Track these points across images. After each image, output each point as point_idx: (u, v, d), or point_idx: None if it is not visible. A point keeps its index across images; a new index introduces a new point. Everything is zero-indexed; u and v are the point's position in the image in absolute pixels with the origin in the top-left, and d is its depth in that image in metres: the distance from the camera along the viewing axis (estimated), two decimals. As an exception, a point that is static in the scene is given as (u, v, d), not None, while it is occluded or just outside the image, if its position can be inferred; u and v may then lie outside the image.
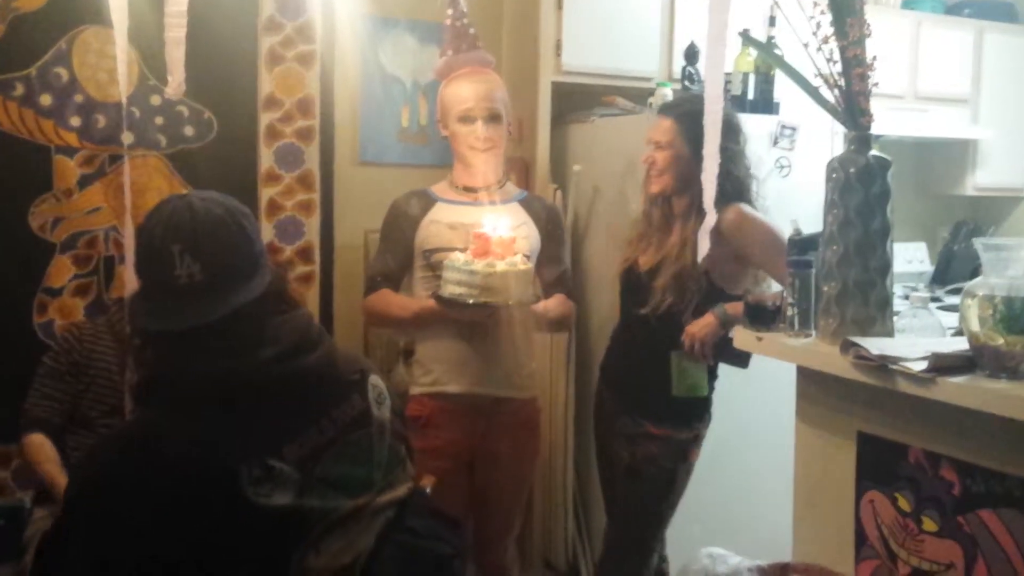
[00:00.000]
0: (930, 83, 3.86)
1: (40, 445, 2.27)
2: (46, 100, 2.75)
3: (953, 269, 4.06)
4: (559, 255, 2.54)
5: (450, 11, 2.46)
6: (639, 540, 2.44)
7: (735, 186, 2.38)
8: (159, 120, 2.89)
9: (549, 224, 2.51)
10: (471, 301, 2.19)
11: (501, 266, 2.18)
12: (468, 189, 2.48)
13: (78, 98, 2.78)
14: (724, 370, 2.46)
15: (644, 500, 2.41)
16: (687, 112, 2.29)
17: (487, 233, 2.26)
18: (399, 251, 2.46)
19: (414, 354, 2.52)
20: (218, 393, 1.26)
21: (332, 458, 1.29)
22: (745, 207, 2.37)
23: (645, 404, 2.41)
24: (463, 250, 2.33)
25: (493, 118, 2.42)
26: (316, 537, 1.23)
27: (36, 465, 2.24)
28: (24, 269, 2.75)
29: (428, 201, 2.48)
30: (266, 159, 3.06)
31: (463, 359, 2.37)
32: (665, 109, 2.50)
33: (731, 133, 2.38)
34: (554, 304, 2.46)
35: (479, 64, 2.50)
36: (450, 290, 2.22)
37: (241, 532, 1.19)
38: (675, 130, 2.35)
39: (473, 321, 2.31)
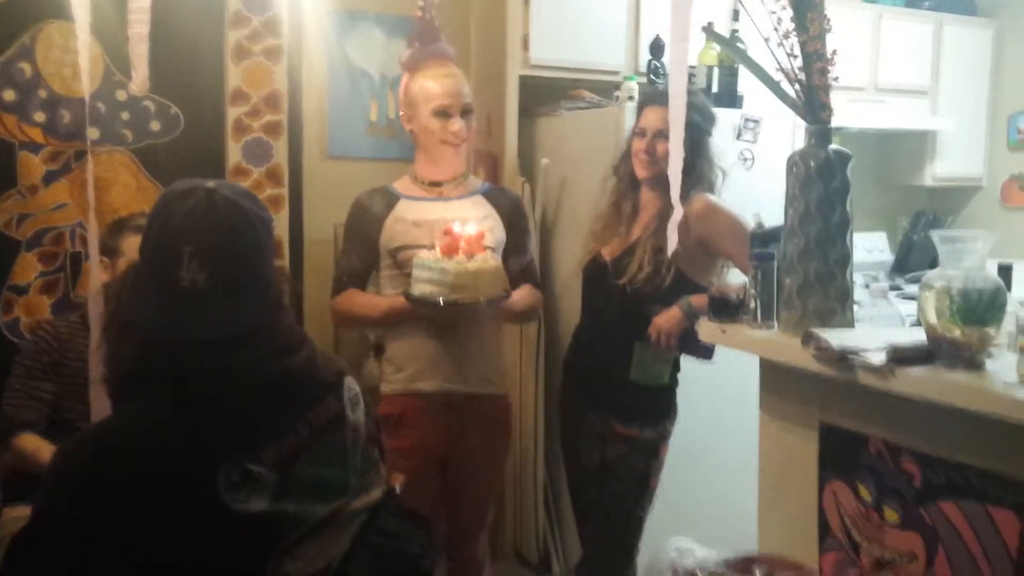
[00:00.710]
0: (890, 75, 3.92)
1: (33, 441, 2.20)
2: (9, 95, 2.73)
3: (913, 258, 4.13)
4: (524, 245, 2.52)
5: (421, 3, 2.44)
6: (621, 542, 2.43)
7: (705, 176, 2.42)
8: (125, 115, 2.87)
9: (513, 215, 2.50)
10: (441, 300, 2.18)
11: (472, 264, 2.18)
12: (433, 184, 2.46)
13: (42, 93, 2.76)
14: (690, 362, 2.49)
15: (619, 501, 2.42)
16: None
17: (455, 230, 2.25)
18: (364, 250, 2.43)
19: (385, 351, 2.50)
20: (199, 394, 1.24)
21: (307, 462, 1.28)
22: (712, 197, 2.41)
23: (611, 401, 2.42)
24: (430, 247, 2.31)
25: (467, 112, 2.42)
26: (291, 542, 1.23)
27: (34, 460, 2.14)
28: (-11, 266, 2.73)
29: (391, 198, 2.45)
30: (234, 154, 3.05)
31: (435, 357, 2.36)
32: (660, 98, 2.49)
33: (710, 123, 2.44)
34: (520, 296, 2.44)
35: (444, 57, 2.47)
36: (420, 289, 2.21)
37: (217, 538, 1.19)
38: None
39: (444, 319, 2.31)
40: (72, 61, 2.68)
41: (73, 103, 2.74)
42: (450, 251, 2.22)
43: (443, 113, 2.38)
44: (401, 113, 2.50)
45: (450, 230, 2.26)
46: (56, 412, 2.29)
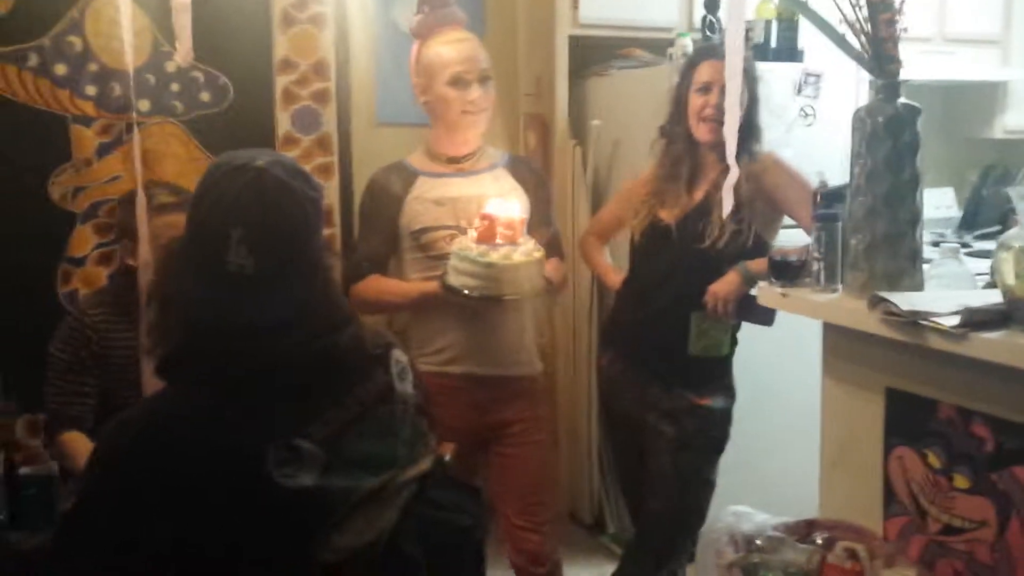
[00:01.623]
0: (959, 24, 3.75)
1: (78, 441, 2.14)
2: (61, 70, 2.74)
3: (982, 214, 3.98)
4: (549, 217, 2.38)
5: None
6: (698, 510, 2.38)
7: (758, 134, 2.35)
8: (175, 87, 2.88)
9: (536, 187, 2.35)
10: (478, 295, 2.05)
11: (517, 257, 2.04)
12: (452, 160, 2.30)
13: (92, 67, 2.77)
14: (747, 326, 2.43)
15: (699, 472, 2.36)
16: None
17: (492, 213, 2.09)
18: (384, 232, 2.28)
19: (410, 332, 2.36)
20: (248, 372, 1.23)
21: (356, 436, 1.27)
22: (779, 155, 2.33)
23: (677, 371, 2.35)
24: (454, 228, 2.19)
25: (485, 80, 2.24)
26: (340, 516, 1.22)
27: (76, 462, 2.05)
28: (46, 240, 2.77)
29: (409, 175, 2.29)
30: (283, 123, 3.04)
31: (465, 341, 2.24)
32: (718, 51, 2.38)
33: (756, 81, 2.36)
34: (551, 271, 2.28)
35: (456, 22, 2.30)
36: (460, 280, 2.07)
37: (265, 513, 1.18)
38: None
39: (480, 310, 2.19)
40: (121, 34, 2.66)
41: (123, 76, 2.74)
42: (487, 238, 2.07)
43: (460, 81, 2.21)
44: (414, 83, 2.32)
45: (488, 215, 2.10)
46: (104, 405, 2.20)
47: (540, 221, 2.33)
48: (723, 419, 2.38)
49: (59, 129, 2.76)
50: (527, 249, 2.09)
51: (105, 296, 2.34)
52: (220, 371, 1.23)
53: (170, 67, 2.83)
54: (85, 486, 1.26)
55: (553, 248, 2.36)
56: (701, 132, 2.32)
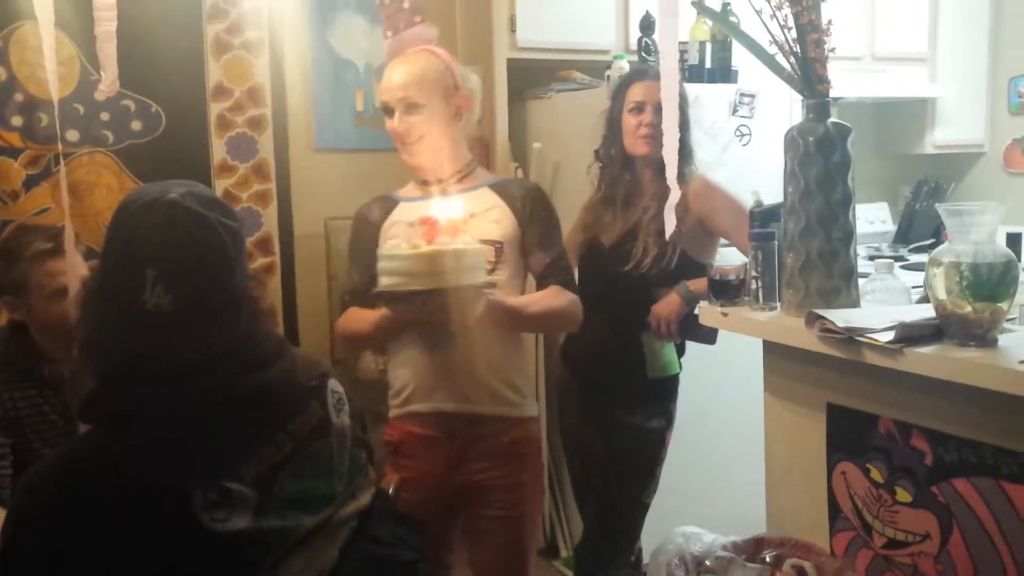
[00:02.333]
0: (887, 43, 3.85)
1: None
2: (-16, 100, 2.67)
3: (916, 228, 4.08)
4: (548, 239, 2.10)
5: None
6: (625, 530, 2.41)
7: (690, 156, 2.38)
8: (104, 116, 2.81)
9: (528, 204, 2.10)
10: (402, 290, 1.84)
11: (428, 248, 1.84)
12: (427, 183, 2.14)
13: (18, 97, 2.70)
14: (692, 345, 2.44)
15: (626, 489, 2.38)
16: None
17: (433, 214, 1.95)
18: (364, 264, 2.10)
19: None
20: (173, 412, 1.18)
21: (291, 474, 1.23)
22: (709, 177, 2.36)
23: (615, 390, 2.38)
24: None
25: (410, 108, 2.05)
26: (277, 557, 1.18)
27: None
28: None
29: (390, 204, 2.17)
30: (218, 150, 2.99)
31: (431, 373, 2.03)
32: (650, 73, 2.42)
33: (686, 103, 2.38)
34: (539, 298, 2.05)
35: (421, 41, 2.17)
36: (385, 282, 1.88)
37: (197, 559, 1.14)
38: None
39: (429, 319, 1.93)
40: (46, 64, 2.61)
41: (50, 106, 2.67)
42: (430, 240, 1.91)
43: (387, 110, 2.10)
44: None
45: (427, 217, 1.94)
46: (20, 462, 1.98)
47: (535, 244, 2.09)
48: (654, 440, 2.38)
49: (-16, 161, 2.69)
50: (444, 240, 1.88)
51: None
52: (143, 413, 1.18)
53: (99, 96, 2.76)
54: (7, 530, 1.19)
55: (553, 273, 2.09)
56: (638, 147, 2.35)
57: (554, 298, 2.05)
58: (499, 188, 2.14)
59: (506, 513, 2.04)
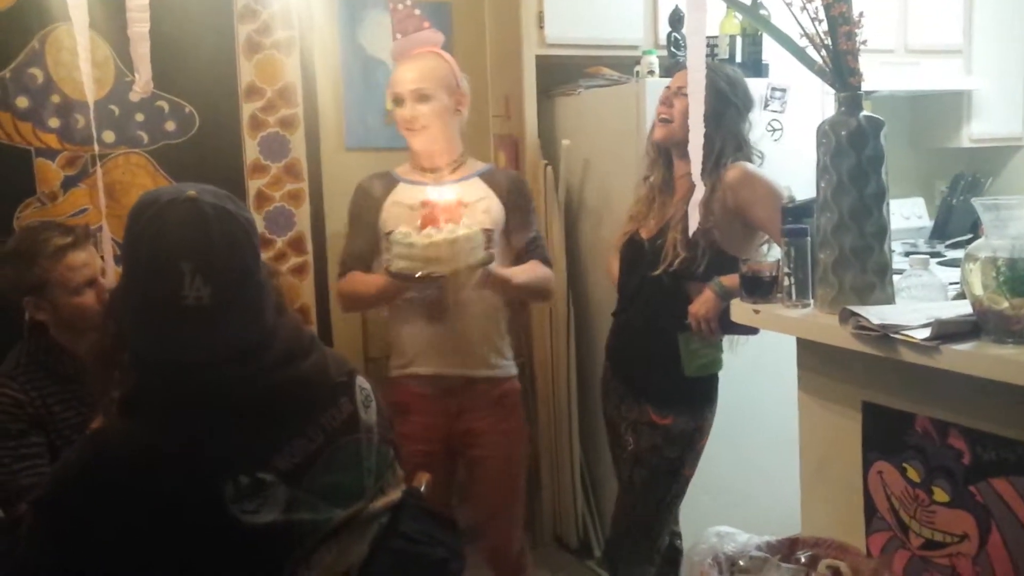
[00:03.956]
0: (921, 35, 3.79)
1: None
2: (23, 102, 2.70)
3: (952, 223, 4.01)
4: (527, 222, 2.47)
5: None
6: (646, 525, 2.39)
7: (743, 148, 2.33)
8: (139, 117, 2.84)
9: (512, 193, 2.45)
10: (417, 275, 2.14)
11: (439, 235, 2.13)
12: (427, 170, 2.45)
13: (55, 99, 2.73)
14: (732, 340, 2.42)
15: (650, 488, 2.37)
16: (713, 68, 2.23)
17: (432, 198, 2.24)
18: (366, 233, 2.44)
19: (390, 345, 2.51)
20: (208, 405, 1.20)
21: (322, 467, 1.24)
22: (749, 165, 2.31)
23: (649, 388, 2.36)
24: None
25: (421, 98, 2.37)
26: (307, 551, 1.19)
27: None
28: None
29: (391, 182, 2.46)
30: (251, 150, 3.01)
31: (433, 340, 2.36)
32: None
33: (747, 99, 2.35)
34: (522, 269, 2.39)
35: (427, 44, 2.47)
36: (396, 265, 2.18)
37: (226, 550, 1.15)
38: None
39: (431, 295, 2.31)
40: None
41: (86, 107, 2.71)
42: (430, 222, 2.20)
43: (397, 100, 2.41)
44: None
45: (427, 201, 2.24)
46: (56, 460, 1.98)
47: (517, 226, 2.45)
48: (681, 441, 2.34)
49: (23, 163, 2.71)
50: (451, 227, 2.17)
51: (20, 357, 2.09)
52: (179, 405, 1.20)
53: (134, 97, 2.80)
54: (34, 514, 1.22)
55: (532, 251, 2.45)
56: (657, 132, 2.36)
57: (534, 270, 2.42)
58: (487, 178, 2.46)
59: (498, 452, 2.44)
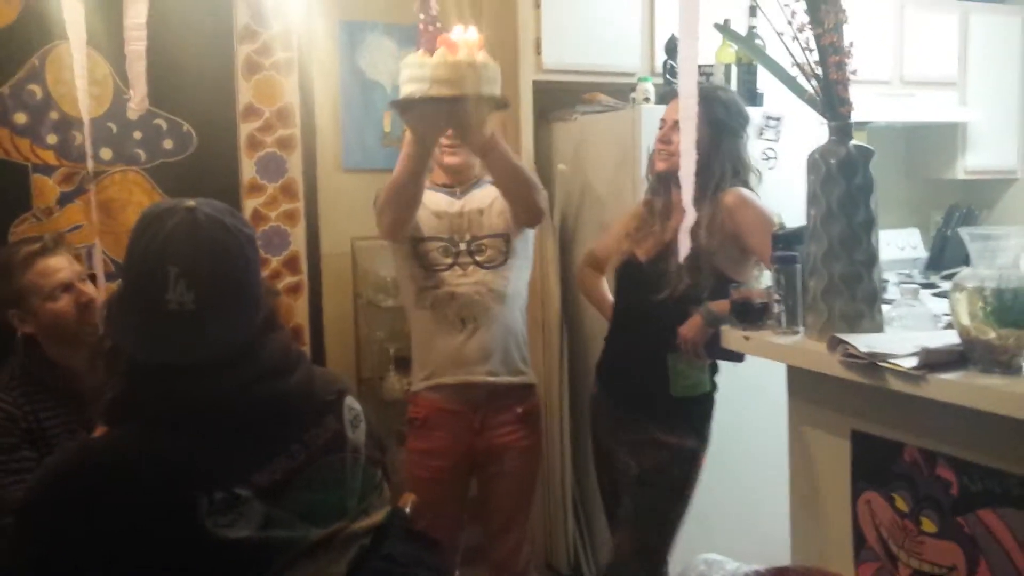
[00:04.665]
0: (916, 67, 3.82)
1: None
2: (21, 118, 2.72)
3: (947, 254, 4.02)
4: None
5: (422, 15, 2.43)
6: (653, 549, 2.37)
7: (728, 175, 2.33)
8: (137, 135, 2.86)
9: None
10: (423, 95, 1.99)
11: (455, 57, 1.99)
12: (446, 184, 2.50)
13: (53, 115, 2.75)
14: (723, 366, 2.41)
15: (656, 510, 2.35)
16: (707, 95, 2.24)
17: (452, 39, 2.06)
18: None
19: (408, 359, 2.54)
20: (191, 416, 1.21)
21: (302, 485, 1.24)
22: (745, 191, 2.32)
23: (649, 409, 2.35)
24: (447, 240, 2.37)
25: None
26: (280, 567, 1.19)
27: None
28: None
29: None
30: (248, 169, 3.02)
31: (455, 351, 2.38)
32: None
33: (737, 120, 2.36)
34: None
35: None
36: (408, 89, 2.03)
37: (198, 563, 1.15)
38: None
39: (436, 123, 2.14)
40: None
41: (84, 124, 2.73)
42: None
43: None
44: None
45: (446, 39, 2.05)
46: None
47: None
48: (687, 460, 2.35)
49: (20, 178, 2.73)
50: (470, 53, 2.04)
51: (14, 371, 2.07)
52: (159, 413, 1.21)
53: (131, 115, 2.81)
54: (15, 517, 1.23)
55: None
56: (659, 163, 2.38)
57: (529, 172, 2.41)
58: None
59: (516, 469, 2.46)
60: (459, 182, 2.50)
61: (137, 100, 1.81)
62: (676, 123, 2.28)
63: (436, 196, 2.47)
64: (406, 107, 2.06)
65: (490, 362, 2.39)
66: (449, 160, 2.48)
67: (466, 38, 2.04)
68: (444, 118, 2.08)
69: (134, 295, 1.25)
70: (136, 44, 1.78)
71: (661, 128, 2.39)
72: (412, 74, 2.02)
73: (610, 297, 2.60)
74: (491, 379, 2.39)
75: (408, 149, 2.22)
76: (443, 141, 2.43)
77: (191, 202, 1.25)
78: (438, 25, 2.44)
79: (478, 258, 2.42)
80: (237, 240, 1.26)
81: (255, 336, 1.27)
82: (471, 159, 2.47)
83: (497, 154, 2.27)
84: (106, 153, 2.81)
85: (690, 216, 1.67)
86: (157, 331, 1.21)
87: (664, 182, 2.40)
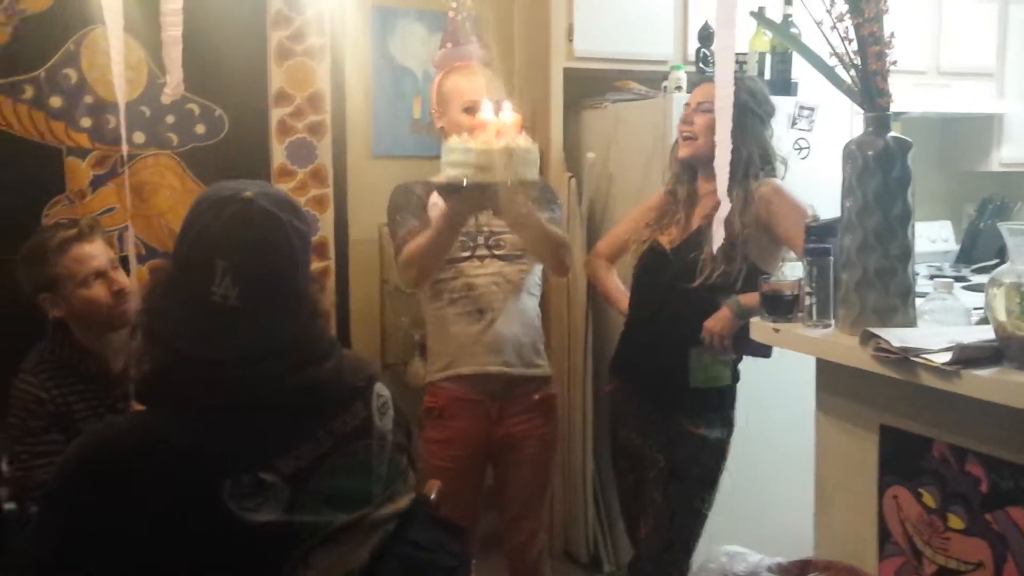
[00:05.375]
0: (954, 58, 3.76)
1: None
2: (56, 102, 2.75)
3: (979, 247, 3.97)
4: (551, 209, 2.44)
5: (454, 4, 2.46)
6: (685, 541, 2.36)
7: (755, 161, 2.31)
8: (170, 119, 2.88)
9: (542, 194, 2.43)
10: (466, 182, 2.05)
11: (499, 143, 2.05)
12: None
13: (88, 99, 2.77)
14: (744, 359, 2.40)
15: (688, 502, 2.34)
16: (737, 80, 2.22)
17: (486, 119, 2.12)
18: (419, 215, 2.41)
19: (425, 343, 2.55)
20: (223, 400, 1.21)
21: (328, 471, 1.25)
22: (779, 182, 2.31)
23: (677, 400, 2.33)
24: (463, 233, 2.32)
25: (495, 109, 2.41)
26: (305, 551, 1.20)
27: None
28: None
29: (428, 188, 2.45)
30: (278, 155, 3.04)
31: (470, 341, 2.39)
32: (709, 78, 2.42)
33: (763, 107, 2.34)
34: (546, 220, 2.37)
35: (475, 58, 2.53)
36: (446, 173, 2.09)
37: (222, 545, 1.16)
38: None
39: (474, 205, 2.19)
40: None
41: (118, 108, 2.75)
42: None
43: (472, 109, 2.37)
44: (433, 110, 2.54)
45: (482, 121, 2.12)
46: None
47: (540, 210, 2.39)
48: (717, 449, 2.34)
49: (53, 161, 2.76)
50: (512, 138, 2.08)
51: (44, 355, 2.09)
52: (190, 399, 1.21)
53: (165, 99, 2.81)
54: (44, 492, 1.25)
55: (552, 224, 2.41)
56: (682, 150, 2.36)
57: (558, 230, 2.40)
58: None
59: (533, 457, 2.47)
60: None
61: (173, 85, 1.83)
62: (699, 104, 2.30)
63: None
64: (450, 191, 2.13)
65: (506, 353, 2.40)
66: None
67: (505, 120, 2.11)
68: (485, 201, 2.17)
69: (180, 281, 1.25)
70: (172, 30, 1.79)
71: (684, 111, 2.37)
72: (456, 159, 2.07)
73: (621, 287, 2.59)
74: (507, 370, 2.41)
75: (444, 222, 2.25)
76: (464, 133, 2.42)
77: (250, 192, 1.24)
78: (465, 15, 2.47)
79: (496, 251, 2.42)
80: (288, 239, 1.25)
81: (296, 332, 1.27)
82: None
83: (531, 227, 2.31)
84: (139, 137, 2.84)
85: (725, 205, 1.65)
86: (197, 321, 1.21)
87: (688, 169, 2.39)
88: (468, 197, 2.12)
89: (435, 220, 2.30)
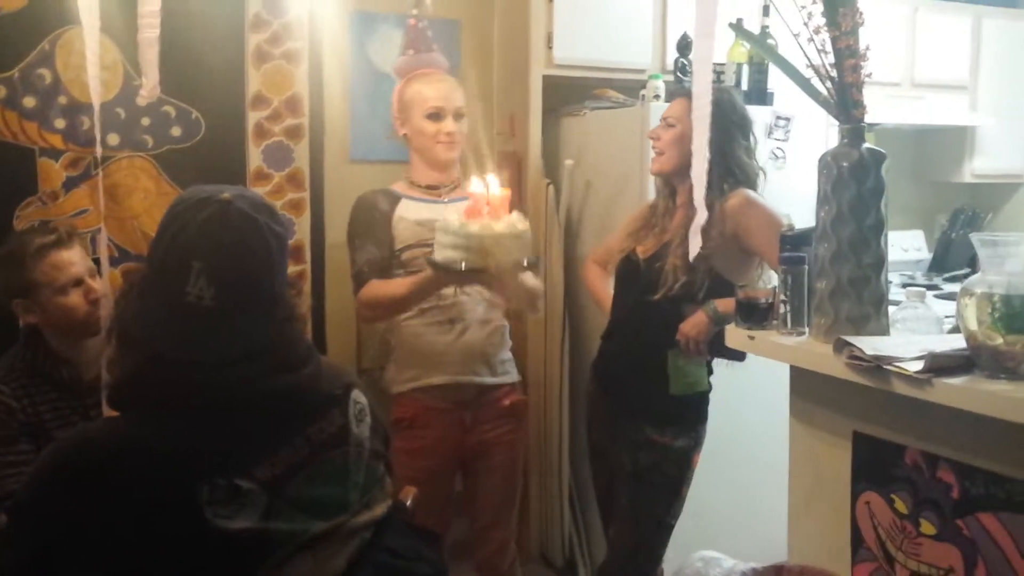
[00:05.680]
0: (927, 70, 3.82)
1: None
2: (30, 102, 2.71)
3: (951, 256, 4.03)
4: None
5: (415, 11, 2.49)
6: (648, 548, 2.39)
7: (746, 174, 2.34)
8: (145, 121, 2.85)
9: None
10: (464, 267, 2.07)
11: (499, 227, 2.06)
12: (430, 187, 2.50)
13: (62, 100, 2.74)
14: (719, 366, 2.42)
15: (650, 508, 2.36)
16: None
17: (476, 192, 2.15)
18: (380, 242, 2.43)
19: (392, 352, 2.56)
20: (199, 401, 1.21)
21: (304, 479, 1.24)
22: (751, 193, 2.32)
23: (645, 407, 2.36)
24: (430, 244, 2.28)
25: (459, 116, 2.47)
26: (280, 559, 1.19)
27: None
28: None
29: (393, 198, 2.49)
30: (255, 158, 3.02)
31: (441, 351, 2.40)
32: (680, 90, 2.44)
33: (737, 116, 2.35)
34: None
35: (438, 66, 2.56)
36: (444, 255, 2.10)
37: (197, 552, 1.15)
38: (687, 109, 2.20)
39: (467, 285, 2.31)
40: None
41: (93, 109, 2.72)
42: (473, 214, 2.12)
43: (436, 115, 2.44)
44: (394, 117, 2.57)
45: (471, 193, 2.17)
46: None
47: None
48: (680, 459, 2.35)
49: (26, 162, 2.72)
50: (509, 220, 2.11)
51: (15, 362, 2.06)
52: (164, 402, 1.20)
53: (140, 101, 2.81)
54: (15, 501, 1.22)
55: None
56: (652, 166, 2.40)
57: (534, 279, 2.44)
58: None
59: (504, 463, 2.51)
60: (446, 181, 2.51)
61: (149, 87, 1.81)
62: (664, 120, 2.36)
63: (416, 205, 2.47)
64: (444, 270, 2.14)
65: (477, 362, 2.42)
66: (446, 155, 2.48)
67: (493, 195, 2.12)
68: (478, 282, 2.25)
69: (155, 283, 1.24)
70: (149, 31, 1.78)
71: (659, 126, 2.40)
72: (450, 241, 2.09)
73: (610, 292, 2.61)
74: (477, 379, 2.43)
75: (425, 287, 2.27)
76: (441, 136, 2.45)
77: (227, 193, 1.24)
78: (426, 23, 2.49)
79: None
80: (265, 241, 1.25)
81: (272, 335, 1.26)
82: (456, 164, 2.52)
83: (519, 292, 2.36)
84: (113, 138, 2.81)
85: (701, 214, 1.67)
86: (173, 322, 1.21)
87: (667, 182, 2.41)
88: (462, 277, 2.17)
89: (414, 282, 2.29)
